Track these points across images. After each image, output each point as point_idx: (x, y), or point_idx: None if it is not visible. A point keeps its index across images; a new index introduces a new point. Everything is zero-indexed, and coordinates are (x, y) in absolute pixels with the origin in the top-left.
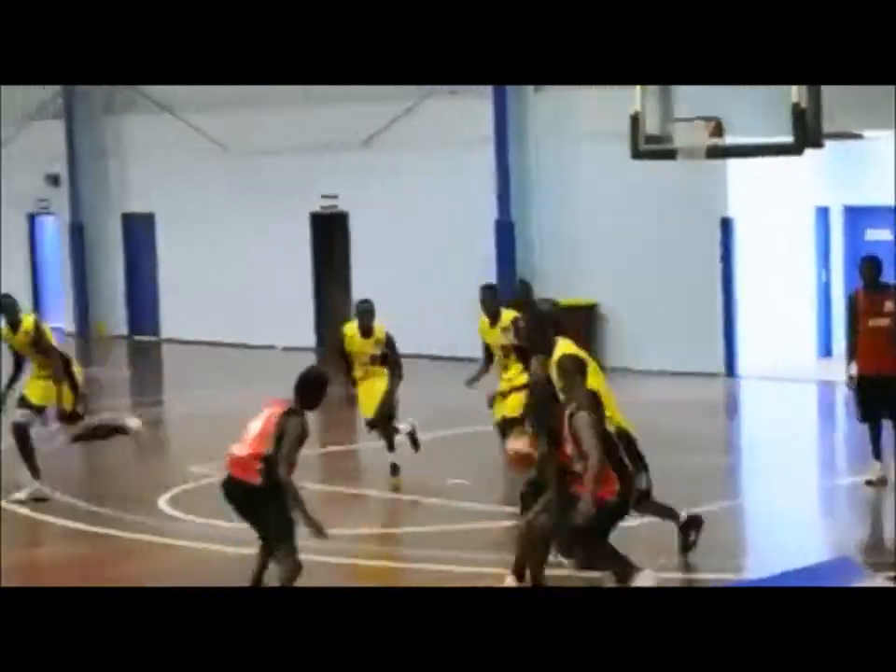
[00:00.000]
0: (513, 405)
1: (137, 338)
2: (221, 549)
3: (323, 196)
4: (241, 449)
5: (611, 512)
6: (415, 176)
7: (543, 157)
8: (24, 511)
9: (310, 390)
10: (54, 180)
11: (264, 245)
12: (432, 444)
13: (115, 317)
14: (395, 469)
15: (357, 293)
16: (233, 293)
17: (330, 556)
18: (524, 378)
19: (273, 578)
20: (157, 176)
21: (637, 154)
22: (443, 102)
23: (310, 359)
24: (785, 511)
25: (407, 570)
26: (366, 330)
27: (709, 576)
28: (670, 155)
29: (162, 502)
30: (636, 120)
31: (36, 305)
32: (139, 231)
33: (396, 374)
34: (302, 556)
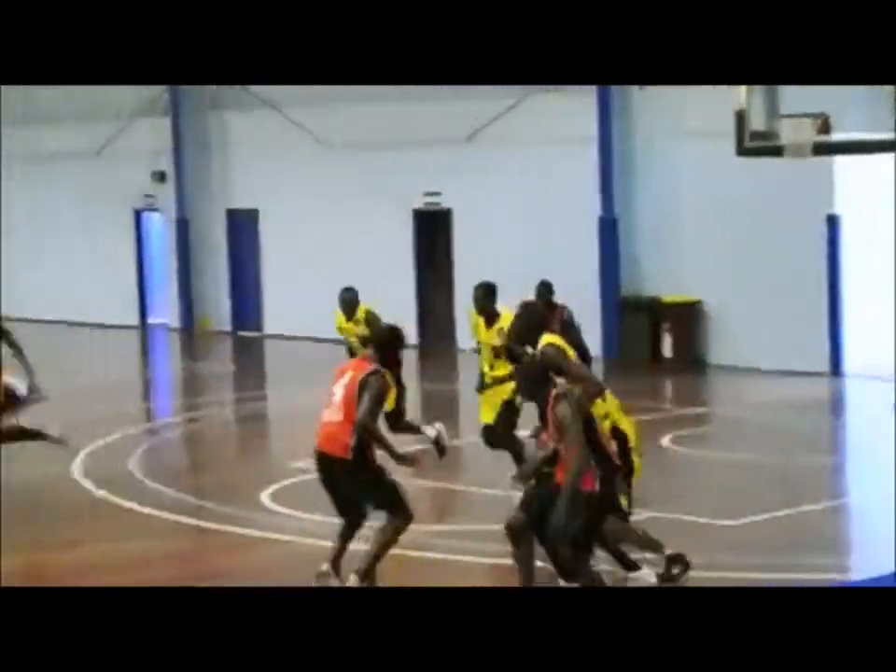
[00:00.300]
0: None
1: (241, 333)
2: (320, 543)
3: (426, 193)
4: (331, 414)
5: (589, 505)
6: (519, 173)
7: (647, 154)
8: (131, 504)
9: (386, 348)
10: (160, 176)
11: (367, 242)
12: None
13: (219, 313)
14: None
15: (460, 291)
16: (336, 289)
17: (424, 552)
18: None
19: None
20: (261, 172)
21: (743, 151)
22: (547, 98)
23: (412, 357)
24: (891, 511)
25: (498, 567)
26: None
27: (815, 576)
28: (776, 152)
29: (265, 497)
30: (741, 117)
31: (142, 301)
32: (243, 227)
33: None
34: (397, 552)
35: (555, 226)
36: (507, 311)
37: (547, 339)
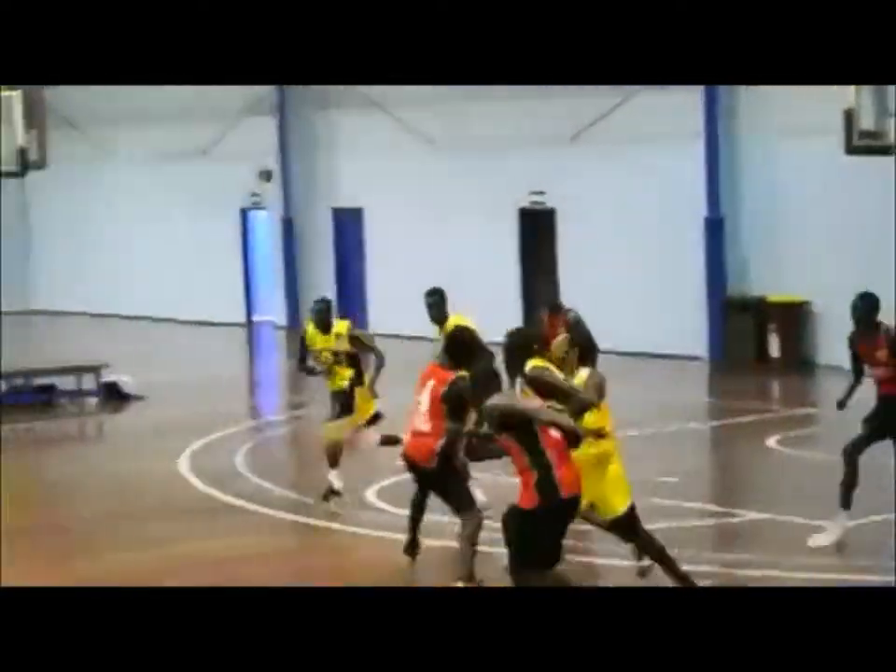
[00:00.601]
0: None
1: None
2: (424, 541)
3: (531, 192)
4: (419, 424)
5: (535, 523)
6: (624, 173)
7: (753, 152)
8: (241, 502)
9: (459, 351)
10: (267, 175)
11: (472, 242)
12: (643, 441)
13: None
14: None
15: (565, 290)
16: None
17: None
18: None
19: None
20: (366, 171)
21: (852, 150)
22: (653, 97)
23: None
24: None
25: (608, 568)
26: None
27: None
28: (885, 150)
29: (370, 494)
30: (850, 116)
31: (248, 299)
32: (348, 226)
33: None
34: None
35: (660, 226)
36: (456, 317)
37: (532, 363)
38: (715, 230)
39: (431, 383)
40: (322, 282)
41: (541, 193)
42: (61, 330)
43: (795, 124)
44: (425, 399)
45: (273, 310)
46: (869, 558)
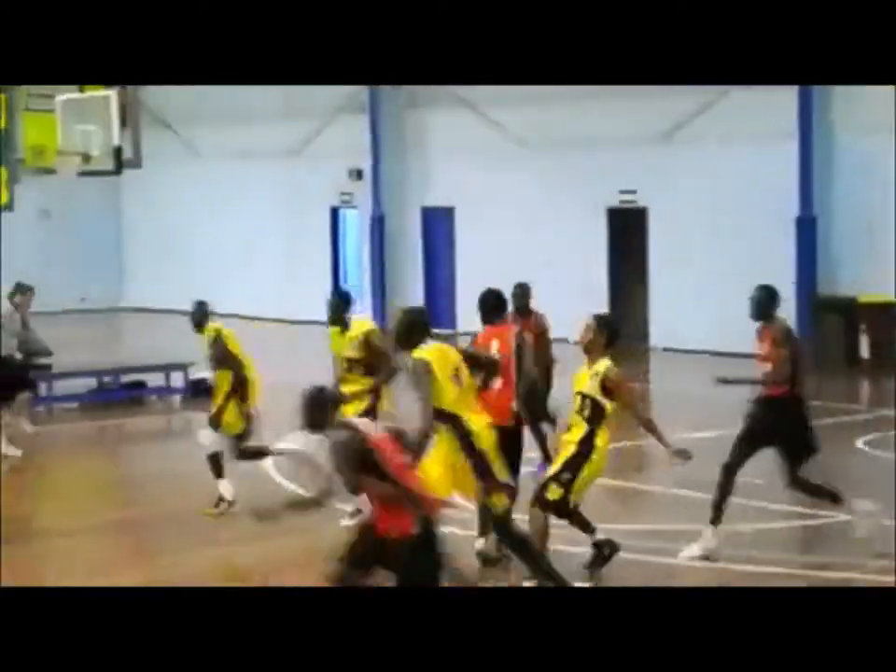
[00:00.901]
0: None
1: (434, 331)
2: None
3: (621, 191)
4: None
5: (414, 556)
6: (715, 172)
7: (846, 151)
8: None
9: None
10: (357, 174)
11: (562, 241)
12: (729, 441)
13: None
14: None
15: (655, 290)
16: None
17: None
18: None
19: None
20: (457, 170)
21: None
22: (746, 95)
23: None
24: None
25: (694, 569)
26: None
27: None
28: None
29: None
30: None
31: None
32: (438, 225)
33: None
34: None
35: (751, 225)
36: (359, 321)
37: (421, 350)
38: (807, 229)
39: (496, 342)
40: (412, 281)
41: (632, 192)
42: (151, 328)
43: (889, 122)
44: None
45: (362, 308)
46: None
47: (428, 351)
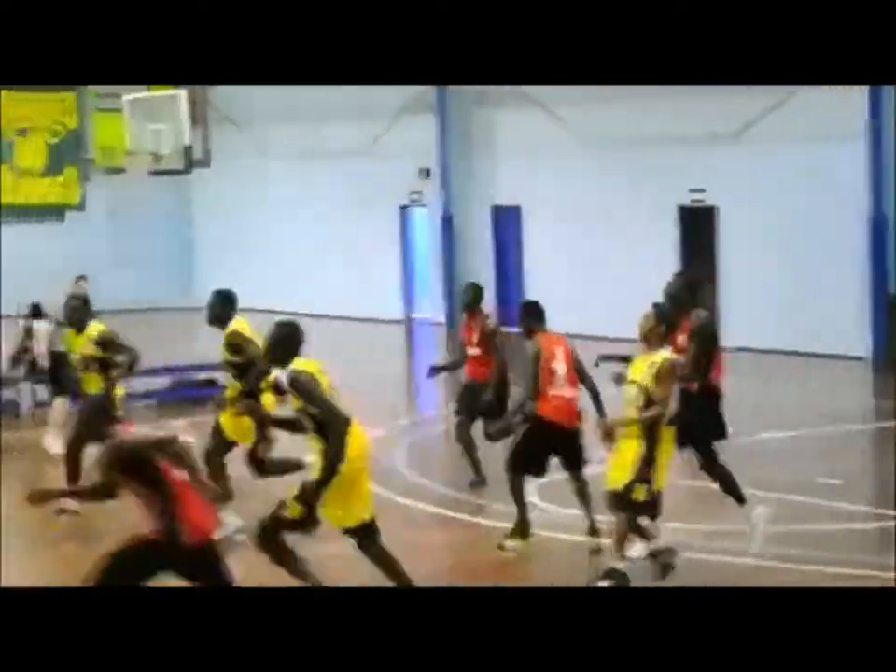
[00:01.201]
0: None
1: (504, 329)
2: (575, 539)
3: (691, 190)
4: (560, 388)
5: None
6: (786, 171)
7: None
8: (397, 497)
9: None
10: (426, 173)
11: (631, 239)
12: (803, 441)
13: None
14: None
15: (725, 289)
16: (597, 287)
17: (694, 553)
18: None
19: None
20: (525, 169)
21: None
22: (816, 94)
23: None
24: None
25: (770, 569)
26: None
27: None
28: None
29: (531, 492)
30: None
31: (407, 296)
32: (507, 224)
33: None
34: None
35: (822, 224)
36: (239, 322)
37: (301, 364)
38: (879, 229)
39: (561, 348)
40: (481, 280)
41: (702, 191)
42: None
43: None
44: (561, 367)
45: (431, 307)
46: None
47: (306, 363)
